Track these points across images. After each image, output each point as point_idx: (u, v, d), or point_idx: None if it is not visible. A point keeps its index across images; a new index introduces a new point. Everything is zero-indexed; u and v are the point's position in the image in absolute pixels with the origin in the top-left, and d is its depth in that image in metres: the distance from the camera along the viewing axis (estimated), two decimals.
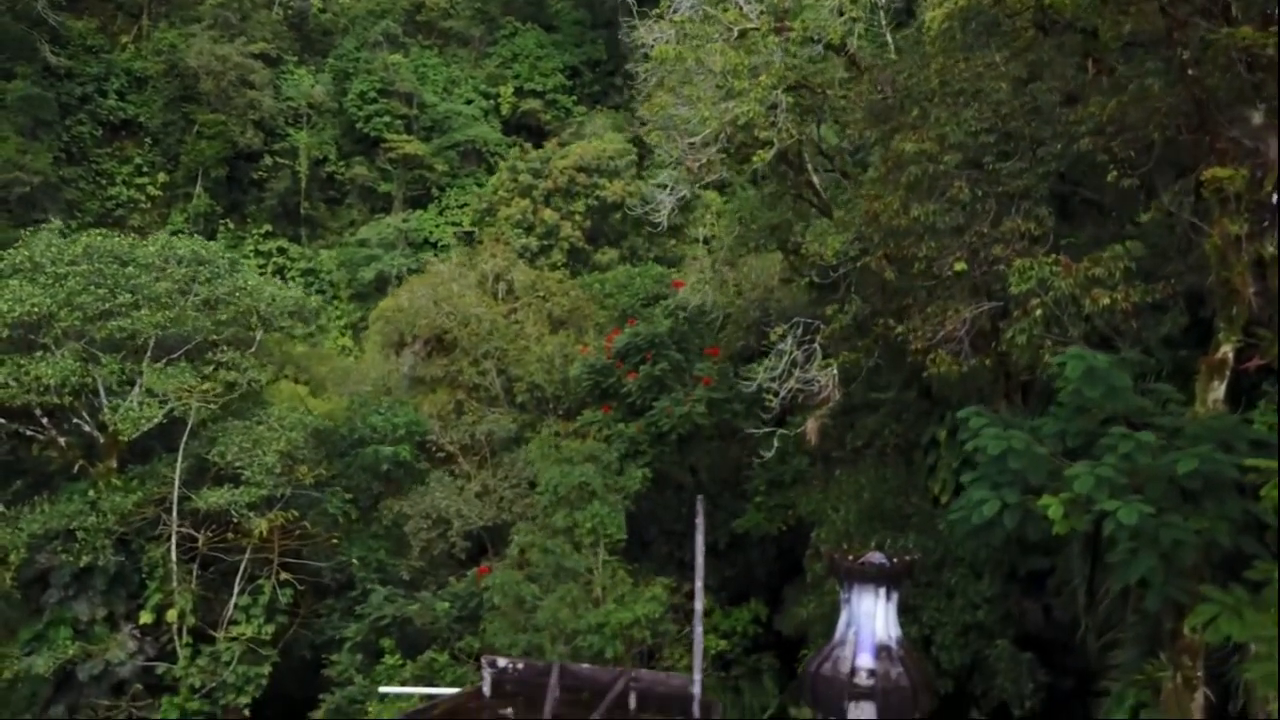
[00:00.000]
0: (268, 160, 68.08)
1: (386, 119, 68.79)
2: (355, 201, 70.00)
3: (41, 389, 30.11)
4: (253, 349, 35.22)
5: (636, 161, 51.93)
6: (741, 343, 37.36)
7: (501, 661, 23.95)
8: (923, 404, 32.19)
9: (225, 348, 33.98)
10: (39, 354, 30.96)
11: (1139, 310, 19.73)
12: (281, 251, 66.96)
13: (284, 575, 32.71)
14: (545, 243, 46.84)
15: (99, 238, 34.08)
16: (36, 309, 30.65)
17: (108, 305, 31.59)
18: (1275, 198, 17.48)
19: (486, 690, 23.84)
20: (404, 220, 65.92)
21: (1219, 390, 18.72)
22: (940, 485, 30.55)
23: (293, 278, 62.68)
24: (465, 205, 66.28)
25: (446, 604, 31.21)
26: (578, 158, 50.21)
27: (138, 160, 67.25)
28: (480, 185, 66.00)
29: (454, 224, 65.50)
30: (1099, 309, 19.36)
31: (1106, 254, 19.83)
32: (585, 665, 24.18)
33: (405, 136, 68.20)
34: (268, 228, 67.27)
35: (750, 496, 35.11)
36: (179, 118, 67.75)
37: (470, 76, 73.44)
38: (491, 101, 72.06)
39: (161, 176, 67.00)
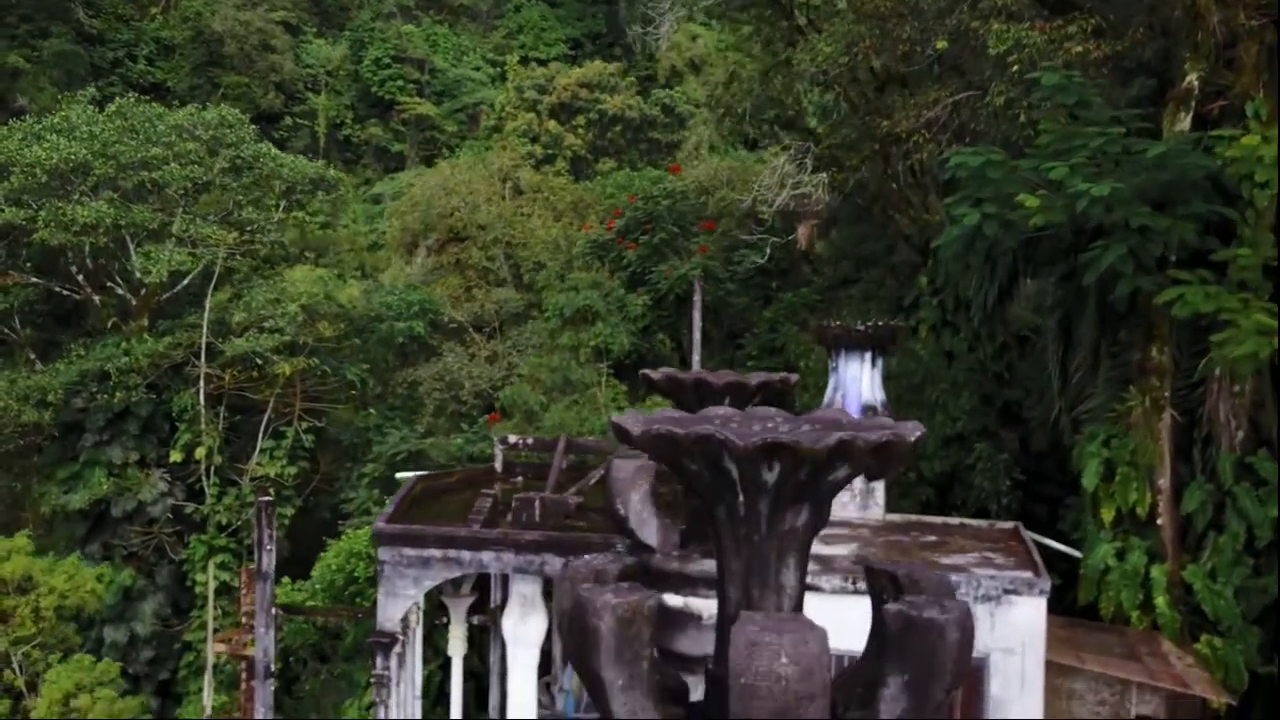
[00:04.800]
0: (288, 121, 68.36)
1: (400, 83, 69.14)
2: (370, 161, 70.29)
3: (77, 229, 30.13)
4: (276, 218, 35.33)
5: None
6: (735, 233, 37.54)
7: (512, 438, 23.95)
8: (907, 269, 32.46)
9: (251, 209, 34.01)
10: (75, 198, 31.01)
11: (1110, 63, 19.92)
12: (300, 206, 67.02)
13: (306, 423, 32.67)
14: (549, 152, 47.23)
15: (131, 103, 34.14)
16: (73, 157, 30.69)
17: (140, 155, 31.61)
18: None
19: (498, 467, 23.86)
20: (416, 176, 66.07)
21: (1185, 121, 18.90)
22: (921, 342, 30.92)
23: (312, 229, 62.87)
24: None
25: (460, 440, 31.20)
26: (580, 75, 50.65)
27: None
28: (488, 149, 66.33)
29: None
30: (1072, 59, 19.54)
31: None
32: (591, 438, 24.17)
33: (417, 99, 68.55)
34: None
35: (743, 363, 35.23)
36: (204, 82, 67.92)
37: (478, 46, 73.96)
38: (498, 69, 72.43)
39: None
